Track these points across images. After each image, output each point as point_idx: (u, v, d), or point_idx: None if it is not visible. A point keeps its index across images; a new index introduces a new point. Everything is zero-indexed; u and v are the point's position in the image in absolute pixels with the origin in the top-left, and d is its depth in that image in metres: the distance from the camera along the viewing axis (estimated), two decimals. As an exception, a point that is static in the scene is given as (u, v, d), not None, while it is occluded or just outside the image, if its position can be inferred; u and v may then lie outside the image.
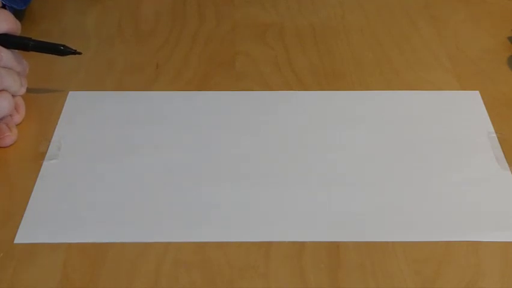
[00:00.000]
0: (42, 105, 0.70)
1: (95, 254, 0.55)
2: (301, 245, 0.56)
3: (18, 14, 0.82)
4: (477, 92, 0.72)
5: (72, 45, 0.81)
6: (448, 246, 0.56)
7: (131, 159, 0.64)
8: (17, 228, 0.57)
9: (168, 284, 0.53)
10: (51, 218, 0.58)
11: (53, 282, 0.53)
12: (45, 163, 0.64)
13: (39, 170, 0.63)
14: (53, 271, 0.53)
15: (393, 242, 0.56)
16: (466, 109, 0.71)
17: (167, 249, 0.55)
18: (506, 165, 0.64)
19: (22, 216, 0.58)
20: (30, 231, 0.57)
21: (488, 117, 0.69)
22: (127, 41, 0.82)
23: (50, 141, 0.66)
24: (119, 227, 0.57)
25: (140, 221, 0.58)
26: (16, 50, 0.70)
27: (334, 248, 0.56)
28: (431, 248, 0.56)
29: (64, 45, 0.70)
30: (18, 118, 0.68)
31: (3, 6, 0.78)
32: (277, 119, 0.69)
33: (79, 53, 0.69)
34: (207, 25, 0.85)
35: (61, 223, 0.58)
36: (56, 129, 0.67)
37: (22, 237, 0.56)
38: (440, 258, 0.55)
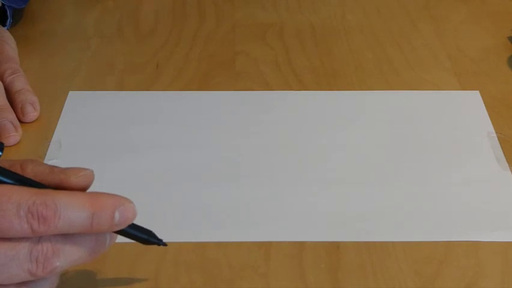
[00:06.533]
0: (42, 105, 0.70)
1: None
2: (301, 245, 0.56)
3: (17, 14, 0.82)
4: (477, 92, 0.72)
5: (72, 45, 0.81)
6: (448, 246, 0.56)
7: (131, 159, 0.64)
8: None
9: (168, 284, 0.53)
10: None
11: (53, 282, 0.53)
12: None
13: (39, 170, 0.63)
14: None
15: (393, 242, 0.56)
16: (466, 109, 0.71)
17: (167, 249, 0.55)
18: (506, 165, 0.63)
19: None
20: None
21: (488, 117, 0.69)
22: (127, 41, 0.82)
23: (50, 141, 0.66)
24: (119, 227, 0.57)
25: (140, 221, 0.58)
26: None
27: (334, 248, 0.56)
28: (431, 248, 0.56)
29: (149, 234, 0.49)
30: (34, 116, 0.68)
31: (3, 5, 0.78)
32: (277, 118, 0.69)
33: (164, 245, 0.49)
34: (207, 25, 0.85)
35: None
36: (56, 129, 0.67)
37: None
38: (440, 258, 0.55)
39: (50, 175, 0.44)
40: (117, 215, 0.44)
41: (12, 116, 0.67)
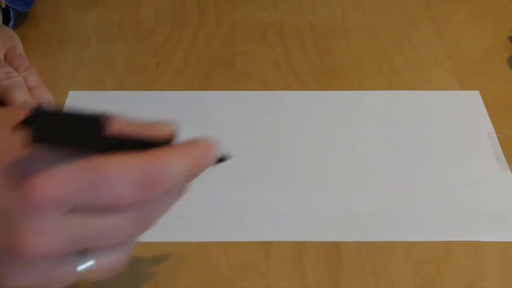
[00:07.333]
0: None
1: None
2: (301, 245, 0.56)
3: (21, 16, 0.82)
4: (477, 92, 0.72)
5: (72, 45, 0.81)
6: (448, 246, 0.56)
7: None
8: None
9: (168, 283, 0.53)
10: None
11: (53, 282, 0.53)
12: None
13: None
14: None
15: (393, 242, 0.56)
16: (466, 109, 0.71)
17: (167, 249, 0.55)
18: (506, 165, 0.64)
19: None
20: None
21: (488, 117, 0.69)
22: (127, 41, 0.82)
23: (50, 141, 0.66)
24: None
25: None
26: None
27: (334, 248, 0.56)
28: (431, 248, 0.56)
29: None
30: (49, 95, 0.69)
31: (7, 7, 0.79)
32: (277, 118, 0.69)
33: (230, 157, 0.48)
34: (207, 25, 0.85)
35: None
36: (56, 129, 0.67)
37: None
38: (440, 258, 0.55)
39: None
40: (211, 158, 0.44)
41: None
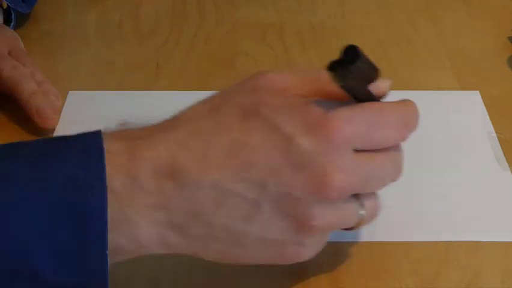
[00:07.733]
0: (42, 105, 0.70)
1: (95, 254, 0.55)
2: (301, 245, 0.56)
3: (21, 17, 0.82)
4: (477, 92, 0.72)
5: (72, 45, 0.81)
6: (448, 246, 0.56)
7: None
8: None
9: (168, 283, 0.53)
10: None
11: (53, 282, 0.53)
12: (45, 163, 0.63)
13: (39, 170, 0.63)
14: (53, 271, 0.53)
15: (393, 242, 0.56)
16: (466, 109, 0.71)
17: (167, 249, 0.55)
18: (506, 165, 0.64)
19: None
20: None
21: (488, 117, 0.69)
22: (127, 41, 0.82)
23: (50, 141, 0.66)
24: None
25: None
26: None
27: (334, 248, 0.56)
28: (431, 248, 0.56)
29: None
30: (57, 105, 0.69)
31: (8, 8, 0.79)
32: (278, 119, 0.69)
33: None
34: (207, 25, 0.85)
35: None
36: (56, 129, 0.67)
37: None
38: (440, 258, 0.55)
39: None
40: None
41: (47, 99, 0.68)
